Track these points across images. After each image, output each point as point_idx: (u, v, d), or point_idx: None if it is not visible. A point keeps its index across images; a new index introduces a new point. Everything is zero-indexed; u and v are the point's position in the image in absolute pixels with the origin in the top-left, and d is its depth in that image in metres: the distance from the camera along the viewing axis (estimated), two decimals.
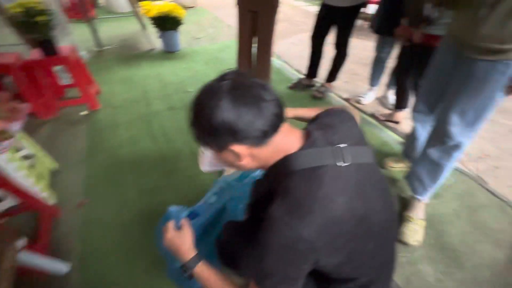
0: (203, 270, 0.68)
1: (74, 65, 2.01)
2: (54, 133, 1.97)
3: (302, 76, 2.63)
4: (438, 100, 1.26)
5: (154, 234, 1.00)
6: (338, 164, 0.56)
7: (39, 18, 1.74)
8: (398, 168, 1.63)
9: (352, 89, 2.66)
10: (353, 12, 1.98)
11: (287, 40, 3.97)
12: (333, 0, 1.94)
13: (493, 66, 0.96)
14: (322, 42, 2.28)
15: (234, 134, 0.53)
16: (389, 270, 0.70)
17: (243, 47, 2.28)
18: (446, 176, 1.25)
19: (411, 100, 1.91)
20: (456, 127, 1.09)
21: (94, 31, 3.30)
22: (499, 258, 1.21)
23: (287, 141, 0.59)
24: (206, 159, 1.15)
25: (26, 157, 1.47)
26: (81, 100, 2.16)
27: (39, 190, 1.35)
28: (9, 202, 1.30)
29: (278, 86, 2.63)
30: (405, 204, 1.43)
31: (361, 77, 2.86)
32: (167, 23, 3.09)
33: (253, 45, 2.26)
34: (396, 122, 2.10)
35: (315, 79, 2.57)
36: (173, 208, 0.95)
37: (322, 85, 2.43)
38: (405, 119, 2.03)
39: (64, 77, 2.34)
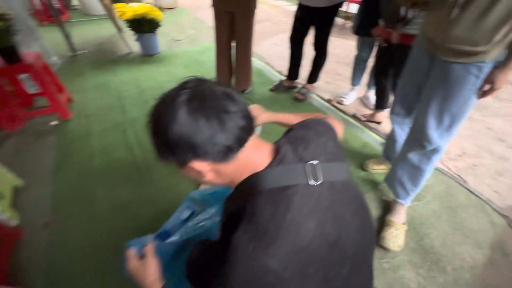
0: None
1: (41, 73, 1.89)
2: (20, 146, 1.85)
3: (283, 78, 2.59)
4: (414, 102, 1.25)
5: (120, 261, 0.92)
6: (310, 183, 0.52)
7: None
8: (379, 170, 1.61)
9: (334, 89, 2.64)
10: (331, 12, 1.95)
11: (269, 41, 3.93)
12: (310, 0, 1.91)
13: (467, 69, 0.94)
14: (301, 43, 2.25)
15: (193, 150, 0.48)
16: None
17: (222, 49, 2.22)
18: (427, 178, 1.24)
19: (391, 100, 1.91)
20: (434, 131, 1.08)
21: (67, 35, 3.15)
22: (479, 260, 1.21)
23: (255, 156, 0.54)
24: None
25: None
26: (51, 109, 2.04)
27: None
28: None
29: (260, 88, 2.59)
30: (386, 208, 1.42)
31: (343, 77, 2.85)
32: (143, 26, 2.99)
33: (232, 45, 2.21)
34: (378, 123, 2.10)
35: (297, 81, 2.53)
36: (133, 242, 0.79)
37: (304, 87, 2.40)
38: (387, 119, 2.02)
39: (32, 86, 2.20)
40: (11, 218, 1.30)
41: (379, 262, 1.20)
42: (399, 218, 1.30)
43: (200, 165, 0.50)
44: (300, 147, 0.58)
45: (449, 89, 0.99)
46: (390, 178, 1.36)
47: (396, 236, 1.25)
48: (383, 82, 1.87)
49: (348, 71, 2.34)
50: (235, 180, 0.56)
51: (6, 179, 1.45)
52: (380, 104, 2.01)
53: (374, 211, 1.41)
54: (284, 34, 4.16)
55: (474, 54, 0.91)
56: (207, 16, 4.77)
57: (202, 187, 1.30)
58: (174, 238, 0.93)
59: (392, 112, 1.37)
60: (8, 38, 1.71)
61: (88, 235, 1.31)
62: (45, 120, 2.07)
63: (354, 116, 2.17)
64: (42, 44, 2.79)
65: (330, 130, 0.66)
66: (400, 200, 1.31)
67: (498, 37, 0.86)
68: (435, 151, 1.13)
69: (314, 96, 2.47)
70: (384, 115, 2.06)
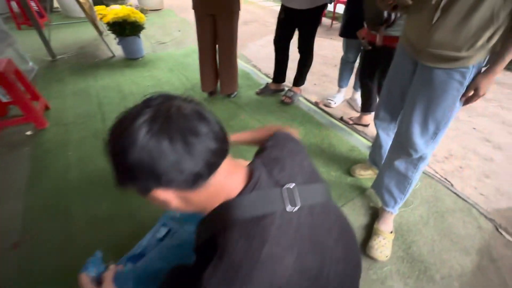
0: None
1: (11, 81, 1.78)
2: None
3: (270, 81, 2.55)
4: (398, 107, 1.22)
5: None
6: (287, 209, 0.48)
7: None
8: (366, 175, 1.58)
9: (321, 91, 2.61)
10: (314, 14, 1.91)
11: (256, 42, 3.88)
12: (292, 2, 1.86)
13: (450, 74, 0.91)
14: (286, 45, 2.20)
15: (155, 178, 0.42)
16: None
17: (205, 53, 2.15)
18: (413, 186, 1.21)
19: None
20: (419, 139, 1.05)
21: (45, 40, 3.02)
22: (467, 267, 1.18)
23: (229, 181, 0.49)
24: None
25: None
26: (25, 119, 1.94)
27: None
28: None
29: (246, 92, 2.53)
30: (374, 215, 1.39)
31: (331, 78, 2.83)
32: (125, 29, 2.89)
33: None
34: (365, 125, 2.07)
35: (283, 84, 2.49)
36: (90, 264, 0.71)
37: (290, 90, 2.36)
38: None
39: (4, 94, 2.09)
40: None
41: (366, 273, 1.16)
42: (387, 226, 1.27)
43: (164, 194, 0.45)
44: (276, 169, 0.53)
45: (432, 95, 0.96)
46: (378, 185, 1.33)
47: (384, 245, 1.21)
48: (369, 85, 1.84)
49: (335, 73, 2.31)
50: (207, 207, 0.50)
51: None
52: (366, 107, 1.99)
53: (361, 218, 1.38)
54: (272, 35, 4.10)
55: (457, 59, 0.88)
56: (194, 17, 4.69)
57: None
58: (146, 259, 0.87)
59: (377, 117, 1.34)
60: None
61: (61, 255, 1.22)
62: (19, 130, 1.97)
63: (341, 119, 2.14)
64: (17, 49, 2.67)
65: (303, 148, 0.62)
66: (388, 209, 1.28)
67: (481, 42, 0.83)
68: (421, 159, 1.10)
69: (301, 99, 2.43)
70: (371, 118, 2.04)
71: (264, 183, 0.50)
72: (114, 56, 3.25)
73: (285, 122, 2.10)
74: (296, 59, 2.24)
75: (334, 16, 4.46)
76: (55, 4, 5.11)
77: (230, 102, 2.37)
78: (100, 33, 3.07)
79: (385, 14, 1.41)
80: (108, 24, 2.82)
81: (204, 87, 2.34)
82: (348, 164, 1.69)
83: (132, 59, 3.17)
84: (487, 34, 0.81)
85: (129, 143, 0.40)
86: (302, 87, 2.40)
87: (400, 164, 1.17)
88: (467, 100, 0.94)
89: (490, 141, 1.96)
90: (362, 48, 1.82)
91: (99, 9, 2.93)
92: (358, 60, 2.10)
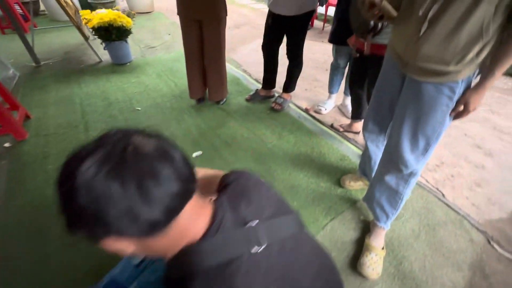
0: None
1: None
2: None
3: (260, 87, 2.50)
4: (387, 119, 1.18)
5: None
6: (252, 251, 0.44)
7: None
8: (356, 187, 1.54)
9: (312, 97, 2.57)
10: (302, 21, 1.87)
11: (247, 46, 3.83)
12: (279, 8, 1.82)
13: (439, 89, 0.87)
14: (275, 51, 2.16)
15: (104, 226, 0.37)
16: None
17: (192, 59, 2.10)
18: (405, 200, 1.17)
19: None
20: (410, 154, 1.01)
21: (28, 45, 2.92)
22: (459, 283, 1.15)
23: (193, 223, 0.44)
24: None
25: None
26: (2, 130, 1.85)
27: None
28: None
29: (236, 98, 2.48)
30: (365, 229, 1.34)
31: (322, 83, 2.79)
32: (112, 34, 2.81)
33: None
34: (356, 133, 2.04)
35: (274, 90, 2.44)
36: None
37: (280, 96, 2.31)
38: None
39: None
40: None
41: None
42: (379, 242, 1.23)
43: (116, 244, 0.40)
44: (242, 204, 0.49)
45: (421, 110, 0.92)
46: (369, 199, 1.28)
47: (375, 262, 1.17)
48: (359, 92, 1.81)
49: (327, 77, 2.27)
50: (168, 252, 0.45)
51: None
52: (357, 114, 1.95)
53: (352, 232, 1.34)
54: None
55: (445, 73, 0.84)
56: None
57: None
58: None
59: (365, 129, 1.30)
60: None
61: (34, 277, 1.15)
62: None
63: (332, 127, 2.10)
64: None
65: (264, 181, 0.58)
66: (380, 224, 1.24)
67: (470, 56, 0.79)
68: (412, 174, 1.06)
69: (291, 105, 2.38)
70: (361, 125, 2.00)
71: (229, 223, 0.46)
72: (101, 61, 3.16)
73: (275, 130, 2.05)
74: (286, 64, 2.20)
75: (325, 19, 4.44)
76: (42, 7, 4.99)
77: (219, 109, 2.31)
78: (86, 38, 2.98)
79: (372, 22, 1.38)
80: (94, 29, 2.74)
81: (192, 94, 2.28)
82: (338, 174, 1.65)
83: (119, 64, 3.09)
84: (477, 48, 0.77)
85: (75, 187, 0.35)
86: (292, 93, 2.36)
87: (391, 179, 1.13)
88: (457, 115, 0.91)
89: (481, 148, 1.94)
90: (353, 55, 1.78)
91: (84, 14, 2.84)
92: (348, 65, 2.07)
